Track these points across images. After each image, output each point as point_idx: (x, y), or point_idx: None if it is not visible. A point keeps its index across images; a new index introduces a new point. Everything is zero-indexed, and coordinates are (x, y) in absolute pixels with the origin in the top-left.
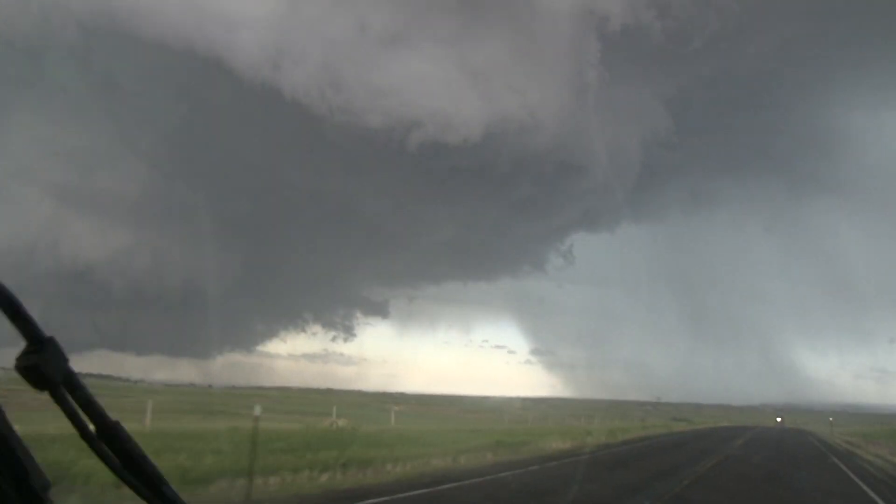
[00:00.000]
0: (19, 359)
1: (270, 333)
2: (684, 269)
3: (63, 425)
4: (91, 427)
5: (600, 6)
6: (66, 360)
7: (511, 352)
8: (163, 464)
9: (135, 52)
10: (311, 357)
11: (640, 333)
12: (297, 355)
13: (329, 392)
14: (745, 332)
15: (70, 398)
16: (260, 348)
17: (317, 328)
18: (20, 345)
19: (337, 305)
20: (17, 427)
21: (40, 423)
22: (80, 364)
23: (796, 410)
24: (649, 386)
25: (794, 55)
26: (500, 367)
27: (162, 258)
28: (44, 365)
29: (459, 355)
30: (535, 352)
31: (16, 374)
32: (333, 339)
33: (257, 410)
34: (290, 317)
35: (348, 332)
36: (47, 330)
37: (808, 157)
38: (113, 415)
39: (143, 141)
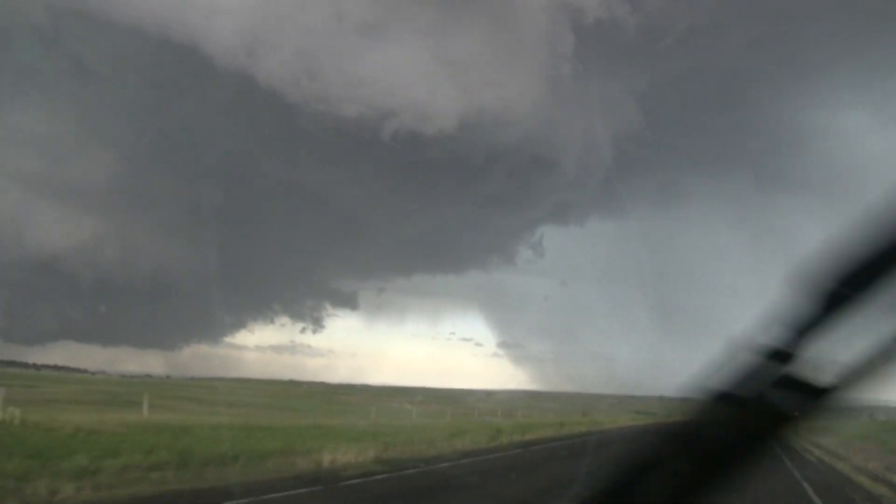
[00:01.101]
0: None
1: (238, 325)
2: (653, 264)
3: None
4: None
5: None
6: None
7: (478, 344)
8: None
9: (107, 36)
10: (277, 349)
11: (608, 327)
12: (263, 347)
13: (291, 383)
14: (712, 327)
15: None
16: (228, 340)
17: (285, 319)
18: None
19: (306, 297)
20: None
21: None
22: (45, 355)
23: None
24: (616, 379)
25: (763, 54)
26: (467, 360)
27: (131, 248)
28: None
29: (427, 348)
30: (502, 345)
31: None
32: (302, 330)
33: None
34: (259, 308)
35: (317, 323)
36: (11, 320)
37: (776, 155)
38: None
39: (114, 128)
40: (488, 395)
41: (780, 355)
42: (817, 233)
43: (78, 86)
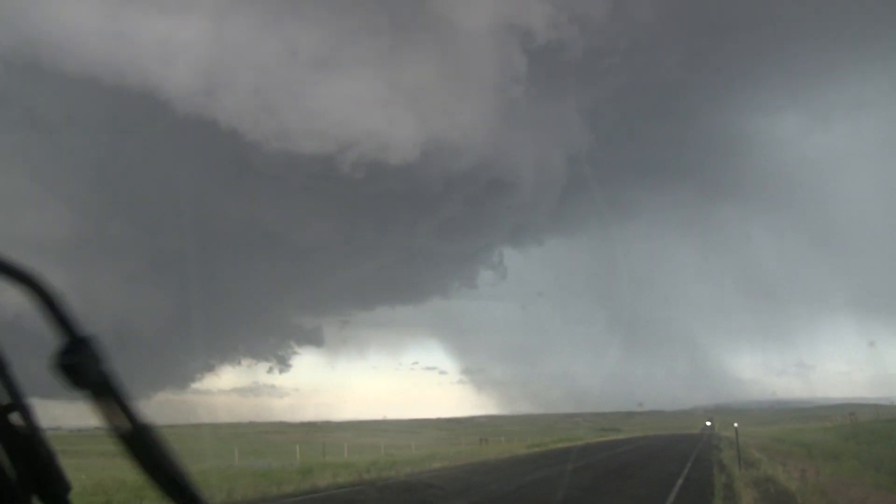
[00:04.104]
0: (57, 357)
1: (205, 369)
2: (609, 279)
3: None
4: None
5: (524, 22)
6: (104, 360)
7: (442, 373)
8: None
9: (60, 88)
10: (241, 391)
11: (570, 345)
12: (227, 390)
13: (250, 425)
14: (672, 338)
15: (106, 398)
16: (195, 385)
17: (250, 361)
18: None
19: (270, 336)
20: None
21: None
22: None
23: (727, 411)
24: (581, 397)
25: (699, 65)
26: (432, 389)
27: (92, 301)
28: (83, 364)
29: (391, 380)
30: (466, 371)
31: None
32: (269, 370)
33: None
34: (224, 351)
35: (282, 362)
36: None
37: (713, 163)
38: None
39: (71, 180)
40: (449, 423)
41: None
42: (756, 236)
43: (30, 139)
